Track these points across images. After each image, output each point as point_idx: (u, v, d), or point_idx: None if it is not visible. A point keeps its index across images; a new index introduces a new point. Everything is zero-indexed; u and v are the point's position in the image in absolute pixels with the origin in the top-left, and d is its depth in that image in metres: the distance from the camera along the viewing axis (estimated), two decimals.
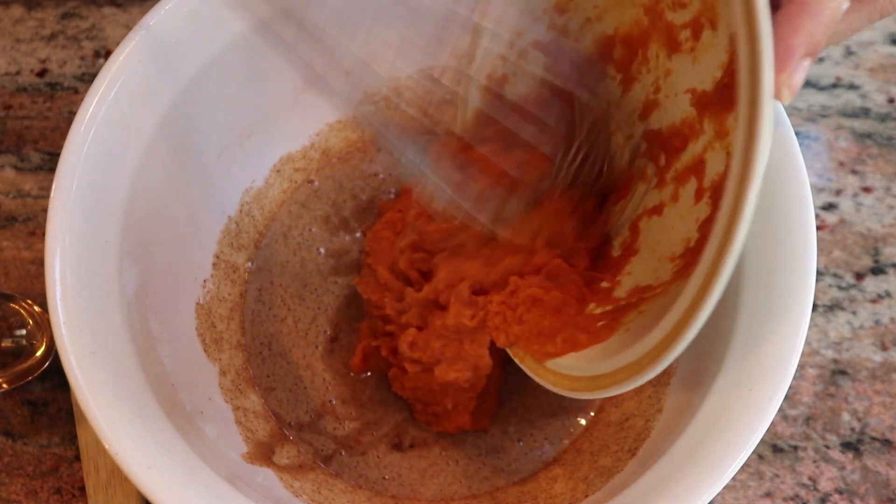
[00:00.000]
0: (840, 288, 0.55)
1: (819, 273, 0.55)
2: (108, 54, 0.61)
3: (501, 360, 0.50)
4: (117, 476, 0.49)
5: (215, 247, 0.52)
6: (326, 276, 0.54)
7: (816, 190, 0.56)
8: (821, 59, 0.59)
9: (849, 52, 0.60)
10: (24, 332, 0.53)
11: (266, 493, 0.45)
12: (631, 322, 0.42)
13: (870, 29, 0.60)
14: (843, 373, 0.53)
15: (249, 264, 0.53)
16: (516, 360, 0.47)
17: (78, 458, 0.51)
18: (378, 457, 0.50)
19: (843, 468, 0.51)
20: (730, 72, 0.39)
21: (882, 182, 0.57)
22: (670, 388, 0.47)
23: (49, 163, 0.58)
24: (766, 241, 0.42)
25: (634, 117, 0.46)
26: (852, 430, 0.52)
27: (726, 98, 0.40)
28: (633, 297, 0.43)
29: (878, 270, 0.55)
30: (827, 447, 0.52)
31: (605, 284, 0.45)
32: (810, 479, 0.51)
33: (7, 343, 0.53)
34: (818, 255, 0.42)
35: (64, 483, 0.51)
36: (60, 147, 0.43)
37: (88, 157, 0.43)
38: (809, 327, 0.41)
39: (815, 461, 0.51)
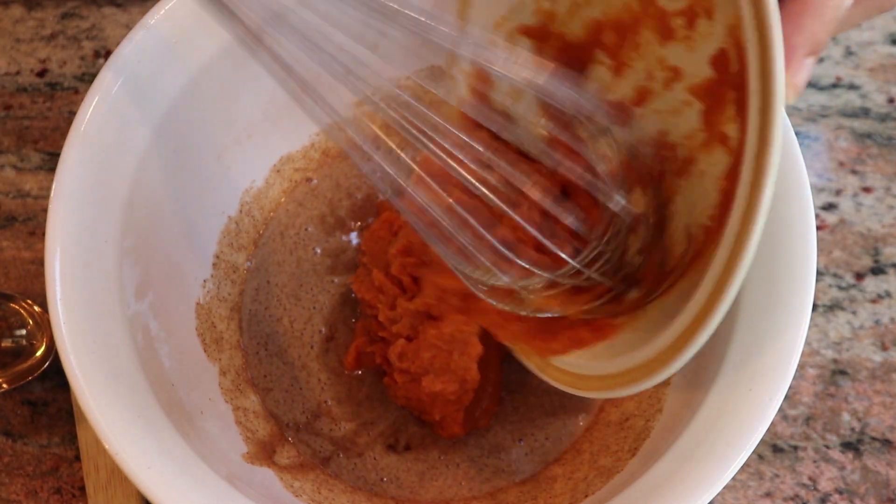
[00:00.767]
0: (840, 288, 0.55)
1: (819, 273, 0.55)
2: (107, 54, 0.61)
3: (501, 358, 0.50)
4: (117, 476, 0.49)
5: (215, 247, 0.52)
6: (322, 275, 0.54)
7: (816, 190, 0.56)
8: (821, 59, 0.59)
9: (849, 52, 0.60)
10: (24, 332, 0.53)
11: (266, 493, 0.45)
12: (636, 322, 0.42)
13: (870, 29, 0.60)
14: (843, 373, 0.53)
15: (249, 264, 0.53)
16: (522, 359, 0.47)
17: (78, 458, 0.51)
18: (375, 458, 0.50)
19: (843, 468, 0.51)
20: (723, 63, 0.39)
21: (882, 182, 0.57)
22: (670, 388, 0.47)
23: (49, 163, 0.58)
24: (767, 241, 0.42)
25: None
26: (852, 430, 0.52)
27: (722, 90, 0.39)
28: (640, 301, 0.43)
29: (878, 270, 0.55)
30: (827, 447, 0.52)
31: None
32: (810, 479, 0.51)
33: (7, 343, 0.53)
34: (818, 255, 0.42)
35: (64, 483, 0.51)
36: (60, 147, 0.43)
37: (88, 157, 0.43)
38: (809, 327, 0.41)
39: (815, 461, 0.51)
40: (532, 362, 0.46)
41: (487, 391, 0.49)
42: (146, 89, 0.45)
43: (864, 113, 0.58)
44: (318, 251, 0.54)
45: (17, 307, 0.53)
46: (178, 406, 0.44)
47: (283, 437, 0.50)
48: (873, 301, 0.55)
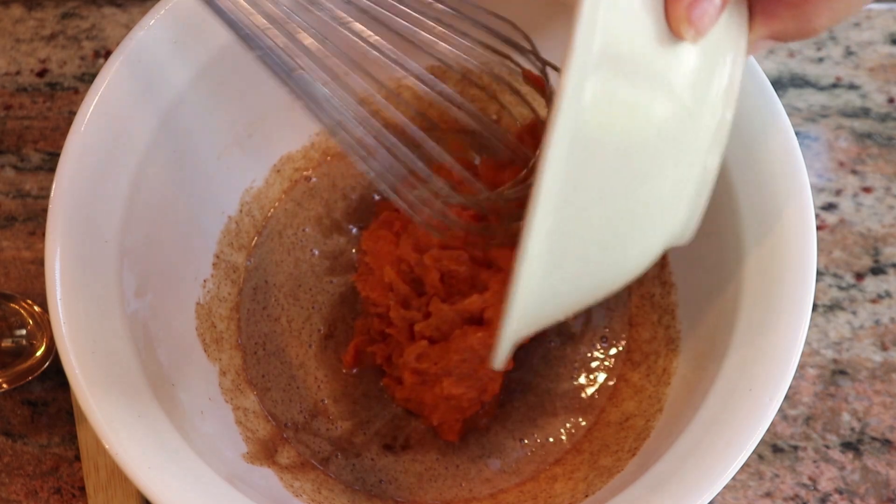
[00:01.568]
0: (840, 288, 0.55)
1: (819, 273, 0.55)
2: (108, 54, 0.61)
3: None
4: (117, 476, 0.49)
5: (215, 247, 0.52)
6: (321, 275, 0.54)
7: (816, 190, 0.56)
8: (821, 59, 0.59)
9: (849, 52, 0.60)
10: (24, 331, 0.53)
11: (266, 492, 0.45)
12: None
13: (870, 29, 0.60)
14: (843, 373, 0.53)
15: (248, 263, 0.53)
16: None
17: (78, 457, 0.51)
18: (372, 459, 0.50)
19: (842, 468, 0.51)
20: None
21: (882, 182, 0.57)
22: (671, 388, 0.47)
23: (49, 163, 0.58)
24: (767, 241, 0.42)
25: None
26: (852, 430, 0.52)
27: None
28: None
29: (877, 270, 0.55)
30: (827, 447, 0.52)
31: None
32: (810, 479, 0.51)
33: (7, 343, 0.53)
34: (818, 255, 0.42)
35: (64, 483, 0.51)
36: (60, 147, 0.43)
37: (88, 157, 0.43)
38: (809, 327, 0.41)
39: (815, 461, 0.51)
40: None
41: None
42: (146, 89, 0.45)
43: (864, 113, 0.58)
44: (317, 252, 0.54)
45: (17, 307, 0.53)
46: (179, 406, 0.44)
47: (283, 436, 0.50)
48: (873, 301, 0.55)
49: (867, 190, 0.57)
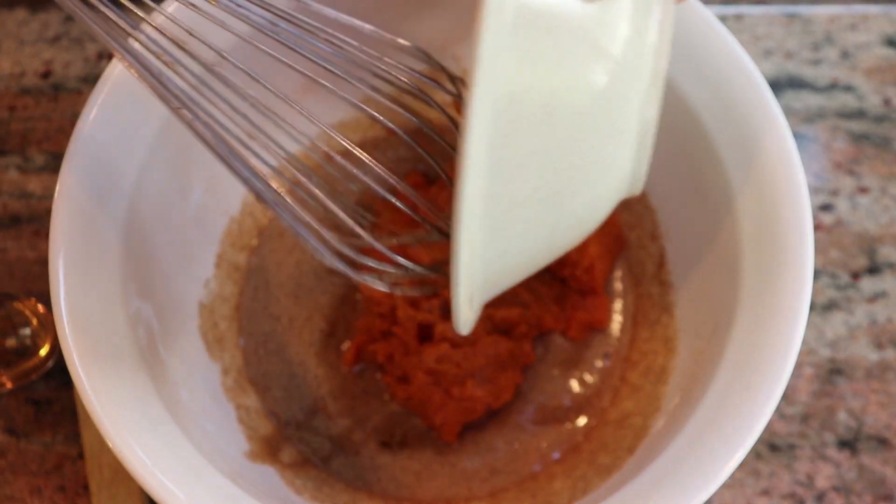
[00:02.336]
0: (837, 288, 0.55)
1: (816, 273, 0.55)
2: (110, 56, 0.61)
3: None
4: (121, 474, 0.50)
5: (217, 246, 0.52)
6: (322, 276, 0.54)
7: (813, 191, 0.57)
8: (817, 61, 0.60)
9: (845, 54, 0.60)
10: (28, 331, 0.53)
11: (268, 490, 0.45)
12: None
13: (866, 31, 0.60)
14: (839, 372, 0.53)
15: (250, 263, 0.54)
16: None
17: (82, 456, 0.51)
18: (371, 457, 0.50)
19: (839, 466, 0.52)
20: None
21: (878, 183, 0.57)
22: (669, 387, 0.47)
23: (53, 164, 0.58)
24: (764, 241, 0.43)
25: None
26: (849, 428, 0.52)
27: None
28: None
29: (874, 270, 0.56)
30: (823, 445, 0.52)
31: None
32: (807, 476, 0.51)
33: (11, 342, 0.53)
34: (815, 255, 0.42)
35: (68, 481, 0.51)
36: (64, 148, 0.43)
37: (92, 158, 0.43)
38: (806, 326, 0.41)
39: (811, 459, 0.52)
40: None
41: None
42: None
43: (860, 114, 0.59)
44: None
45: (21, 306, 0.53)
46: (181, 404, 0.44)
47: (284, 435, 0.50)
48: (869, 301, 0.55)
49: (863, 191, 0.57)
